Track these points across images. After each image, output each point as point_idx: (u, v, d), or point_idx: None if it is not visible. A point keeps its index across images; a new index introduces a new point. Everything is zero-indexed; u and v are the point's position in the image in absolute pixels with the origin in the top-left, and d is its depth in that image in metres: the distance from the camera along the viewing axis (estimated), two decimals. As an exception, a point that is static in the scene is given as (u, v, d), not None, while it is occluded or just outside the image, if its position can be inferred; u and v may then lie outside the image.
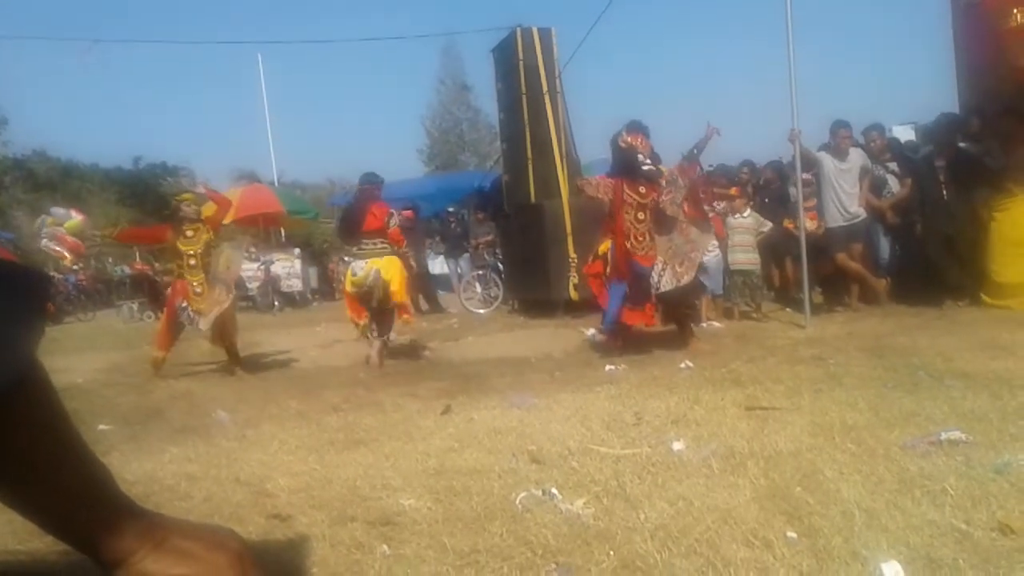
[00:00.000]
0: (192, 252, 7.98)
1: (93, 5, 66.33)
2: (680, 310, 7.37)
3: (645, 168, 6.98)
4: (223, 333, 8.20)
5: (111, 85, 74.30)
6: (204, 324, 8.00)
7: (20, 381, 0.60)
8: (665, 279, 7.05)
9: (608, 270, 7.19)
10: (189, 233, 8.04)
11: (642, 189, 7.05)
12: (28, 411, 0.63)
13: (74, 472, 0.68)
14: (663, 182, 7.05)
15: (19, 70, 59.57)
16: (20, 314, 0.61)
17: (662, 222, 7.10)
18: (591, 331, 8.94)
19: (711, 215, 9.53)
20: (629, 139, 7.03)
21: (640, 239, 7.06)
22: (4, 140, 30.55)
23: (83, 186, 33.18)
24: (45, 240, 18.77)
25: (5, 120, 30.10)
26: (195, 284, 7.97)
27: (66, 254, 18.75)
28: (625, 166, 7.08)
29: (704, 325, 8.70)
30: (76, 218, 19.29)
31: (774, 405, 4.56)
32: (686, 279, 7.09)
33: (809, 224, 8.87)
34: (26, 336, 0.62)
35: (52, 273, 18.41)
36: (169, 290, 8.50)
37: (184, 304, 7.95)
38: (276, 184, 25.61)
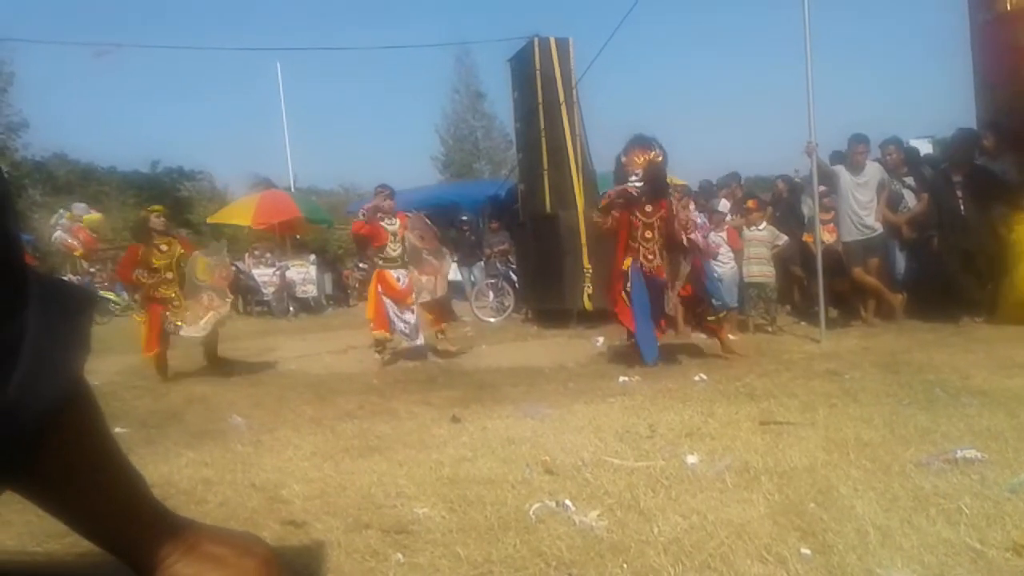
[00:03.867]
0: (167, 264, 8.02)
1: (113, 10, 66.77)
2: (701, 317, 7.42)
3: (628, 185, 7.08)
4: (210, 341, 8.31)
5: (130, 89, 74.72)
6: (197, 331, 8.06)
7: (65, 399, 0.62)
8: (666, 301, 7.33)
9: (628, 285, 7.20)
10: (163, 247, 8.06)
11: (648, 207, 7.10)
12: (75, 429, 0.65)
13: (115, 484, 0.71)
14: (672, 201, 7.21)
15: (39, 73, 60.11)
16: (67, 332, 0.63)
17: (673, 247, 7.24)
18: (599, 340, 8.96)
19: (726, 227, 9.59)
20: (623, 158, 7.17)
21: (650, 257, 7.12)
22: (24, 143, 30.81)
23: (101, 189, 33.37)
24: (59, 232, 18.79)
25: (25, 123, 30.35)
26: (172, 297, 8.03)
27: (78, 246, 18.69)
28: (619, 183, 7.27)
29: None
30: (98, 215, 19.39)
31: (789, 420, 4.55)
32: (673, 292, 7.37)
33: (827, 237, 8.86)
34: (73, 355, 0.63)
35: (68, 276, 18.48)
36: (151, 304, 8.26)
37: (167, 313, 8.00)
38: (292, 189, 25.72)
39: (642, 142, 7.16)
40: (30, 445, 0.60)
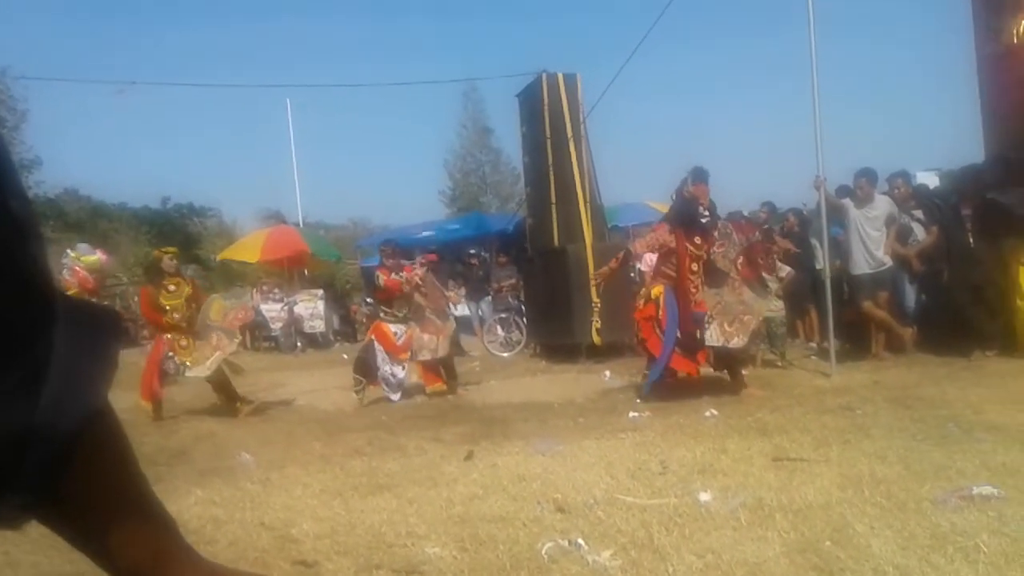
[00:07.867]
0: (175, 305, 8.04)
1: (124, 48, 67.57)
2: (730, 359, 7.34)
3: (703, 220, 7.10)
4: (219, 380, 8.15)
5: (140, 126, 75.57)
6: (202, 372, 8.00)
7: (91, 421, 0.61)
8: (710, 332, 7.01)
9: (660, 314, 7.14)
10: (172, 287, 8.09)
11: (698, 240, 7.14)
12: (96, 452, 0.64)
13: (137, 515, 0.70)
14: (716, 233, 7.13)
15: (52, 111, 60.81)
16: (94, 352, 0.63)
17: (712, 274, 7.17)
18: (607, 374, 8.94)
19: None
20: (693, 190, 7.15)
21: (693, 290, 7.12)
22: (36, 180, 30.94)
23: (111, 225, 33.60)
24: (64, 271, 19.07)
25: (38, 160, 30.52)
26: (179, 337, 8.02)
27: (74, 284, 18.95)
28: (686, 217, 7.16)
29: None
30: (96, 256, 19.58)
31: (802, 456, 4.51)
32: (735, 341, 7.00)
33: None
34: (100, 375, 0.63)
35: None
36: (153, 342, 8.45)
37: (171, 354, 7.98)
38: (301, 225, 25.86)
39: (703, 175, 7.21)
40: (57, 466, 0.59)
